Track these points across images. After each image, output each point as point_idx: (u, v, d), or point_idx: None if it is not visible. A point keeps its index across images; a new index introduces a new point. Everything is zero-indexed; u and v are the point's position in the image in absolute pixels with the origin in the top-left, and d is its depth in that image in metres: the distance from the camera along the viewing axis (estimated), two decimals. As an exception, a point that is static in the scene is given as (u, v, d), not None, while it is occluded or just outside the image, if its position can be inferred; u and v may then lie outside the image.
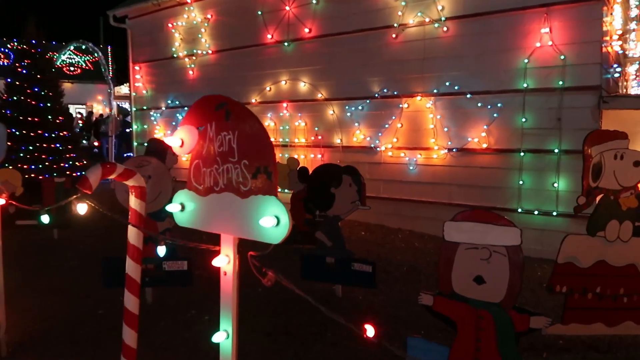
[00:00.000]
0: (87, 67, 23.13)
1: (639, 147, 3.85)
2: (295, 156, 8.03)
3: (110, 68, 21.33)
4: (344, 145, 8.28)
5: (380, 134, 7.85)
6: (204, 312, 4.24)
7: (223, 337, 1.91)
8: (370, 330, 1.86)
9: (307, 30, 8.51)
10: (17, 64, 9.59)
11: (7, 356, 3.56)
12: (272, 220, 1.68)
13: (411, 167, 7.56)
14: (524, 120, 6.50)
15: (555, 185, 6.29)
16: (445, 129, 7.18)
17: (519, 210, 6.53)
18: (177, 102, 10.93)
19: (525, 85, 6.46)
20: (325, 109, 8.46)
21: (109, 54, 22.18)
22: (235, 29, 9.62)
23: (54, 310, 4.39)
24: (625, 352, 3.69)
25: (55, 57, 20.27)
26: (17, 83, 9.40)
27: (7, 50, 21.13)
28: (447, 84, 7.12)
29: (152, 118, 11.57)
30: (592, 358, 3.62)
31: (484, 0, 6.77)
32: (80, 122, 21.43)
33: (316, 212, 4.84)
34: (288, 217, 1.67)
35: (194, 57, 10.42)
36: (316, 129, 8.59)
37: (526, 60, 6.43)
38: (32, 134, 9.22)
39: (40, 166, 9.10)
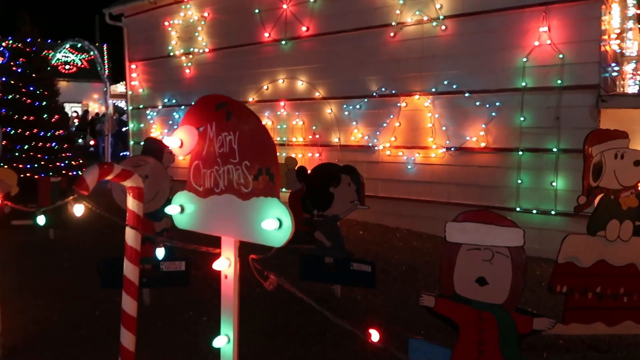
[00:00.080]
0: (82, 66, 22.96)
1: (637, 146, 3.85)
2: (293, 155, 7.99)
3: (106, 66, 21.21)
4: (341, 144, 8.25)
5: (378, 133, 7.82)
6: (202, 313, 4.21)
7: (224, 342, 1.88)
8: (375, 335, 1.84)
9: (304, 28, 8.47)
10: (12, 63, 9.50)
11: (3, 359, 3.52)
12: (274, 223, 1.65)
13: (409, 166, 7.54)
14: (522, 119, 6.48)
15: (554, 184, 6.29)
16: (444, 128, 7.16)
17: (518, 209, 6.52)
18: (174, 101, 10.87)
19: (523, 84, 6.44)
20: (323, 108, 8.43)
21: (105, 53, 22.01)
22: (232, 27, 9.56)
23: (50, 312, 4.34)
24: (625, 352, 3.68)
25: (50, 55, 20.18)
26: (12, 82, 9.33)
27: (2, 49, 20.97)
28: (446, 82, 7.09)
29: (149, 117, 11.50)
30: (593, 358, 3.61)
31: (482, -1, 6.75)
32: (76, 120, 21.33)
33: (314, 212, 4.81)
34: (291, 220, 1.65)
35: (190, 56, 10.36)
36: (314, 127, 8.56)
37: (525, 59, 6.41)
38: (27, 133, 9.16)
39: (36, 165, 9.03)
